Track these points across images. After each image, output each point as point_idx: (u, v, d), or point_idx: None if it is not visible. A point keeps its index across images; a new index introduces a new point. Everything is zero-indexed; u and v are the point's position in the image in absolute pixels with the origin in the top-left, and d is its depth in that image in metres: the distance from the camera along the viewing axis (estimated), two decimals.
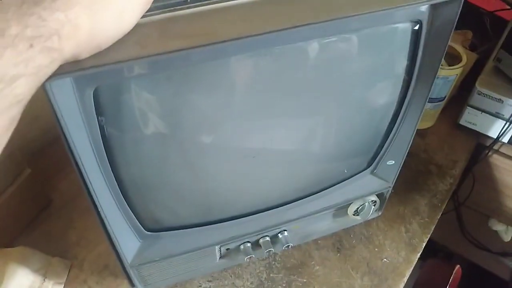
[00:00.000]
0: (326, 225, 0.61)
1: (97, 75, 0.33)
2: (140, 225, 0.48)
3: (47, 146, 0.74)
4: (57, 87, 0.33)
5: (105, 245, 0.49)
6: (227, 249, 0.55)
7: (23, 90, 0.26)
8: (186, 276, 0.58)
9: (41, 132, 0.73)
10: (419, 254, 0.63)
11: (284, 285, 0.59)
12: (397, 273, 0.60)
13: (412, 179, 0.72)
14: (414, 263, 0.62)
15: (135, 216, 0.47)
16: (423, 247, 0.64)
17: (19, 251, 0.58)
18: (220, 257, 0.56)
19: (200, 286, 0.58)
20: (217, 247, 0.54)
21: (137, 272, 0.52)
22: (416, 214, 0.67)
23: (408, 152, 0.55)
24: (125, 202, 0.45)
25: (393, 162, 0.56)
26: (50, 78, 0.30)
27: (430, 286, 0.72)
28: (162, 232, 0.50)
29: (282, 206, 0.54)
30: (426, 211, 0.68)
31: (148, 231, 0.49)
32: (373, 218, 0.65)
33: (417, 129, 0.53)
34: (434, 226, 0.66)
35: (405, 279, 0.60)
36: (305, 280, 0.59)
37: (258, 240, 0.56)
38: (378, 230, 0.65)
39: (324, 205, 0.56)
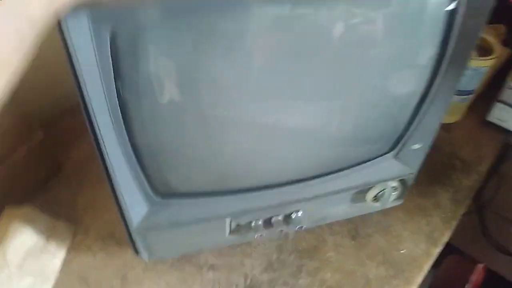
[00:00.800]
0: (342, 209, 0.58)
1: (114, 13, 0.32)
2: (149, 189, 0.46)
3: (61, 115, 0.73)
4: (73, 24, 0.31)
5: (112, 214, 0.47)
6: (238, 224, 0.53)
7: (37, 11, 0.26)
8: (193, 248, 0.56)
9: (56, 100, 0.72)
10: (439, 249, 0.59)
11: (294, 268, 0.56)
12: (415, 266, 0.56)
13: (435, 173, 0.69)
14: (434, 257, 0.58)
15: (145, 179, 0.45)
16: (444, 242, 0.60)
17: (25, 211, 0.57)
18: (230, 232, 0.53)
19: (207, 262, 0.56)
20: (227, 220, 0.52)
21: (143, 239, 0.50)
22: (437, 208, 0.64)
23: (432, 145, 0.52)
24: (136, 163, 0.44)
25: (418, 146, 0.53)
26: (65, 14, 0.29)
27: (450, 282, 0.68)
28: (172, 199, 0.48)
29: (299, 182, 0.51)
30: (448, 206, 0.64)
31: (157, 197, 0.47)
32: (392, 207, 0.61)
33: (443, 123, 0.50)
34: (456, 222, 0.63)
35: (423, 273, 0.57)
36: (316, 265, 0.56)
37: (270, 219, 0.54)
38: (397, 220, 0.61)
39: (343, 186, 0.54)
